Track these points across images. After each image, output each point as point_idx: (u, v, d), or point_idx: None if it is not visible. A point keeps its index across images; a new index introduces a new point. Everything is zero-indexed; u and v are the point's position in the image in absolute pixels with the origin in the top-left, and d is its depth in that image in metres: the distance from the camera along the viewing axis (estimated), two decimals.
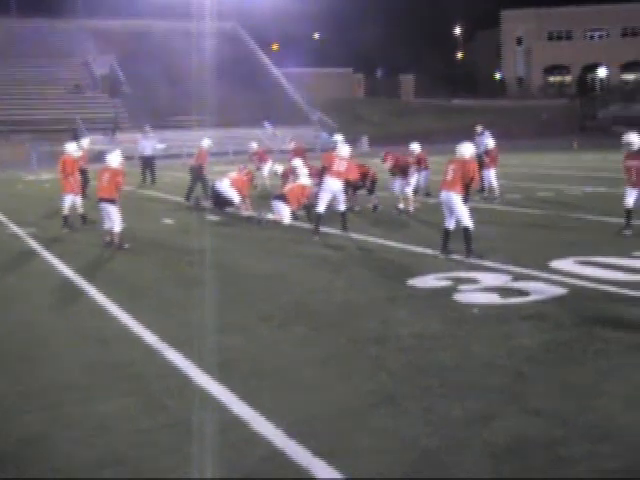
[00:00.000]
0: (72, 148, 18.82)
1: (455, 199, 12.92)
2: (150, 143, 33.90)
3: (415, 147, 20.73)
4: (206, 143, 24.83)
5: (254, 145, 28.68)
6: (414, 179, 19.84)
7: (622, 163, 15.16)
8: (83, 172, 20.19)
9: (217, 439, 5.92)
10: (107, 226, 15.50)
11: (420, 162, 20.71)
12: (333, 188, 16.17)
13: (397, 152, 20.51)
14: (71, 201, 18.18)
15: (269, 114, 63.68)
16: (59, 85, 69.42)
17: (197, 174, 24.01)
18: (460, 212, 12.92)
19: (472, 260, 12.49)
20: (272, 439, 5.83)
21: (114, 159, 15.66)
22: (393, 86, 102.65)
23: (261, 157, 27.78)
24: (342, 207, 16.37)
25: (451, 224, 13.11)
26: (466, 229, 12.86)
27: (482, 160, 24.24)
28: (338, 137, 21.53)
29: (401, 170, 19.36)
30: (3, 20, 77.84)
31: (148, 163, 32.91)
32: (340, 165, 16.29)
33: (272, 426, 6.04)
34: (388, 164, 19.36)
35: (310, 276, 12.06)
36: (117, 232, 15.24)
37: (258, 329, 8.98)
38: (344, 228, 16.21)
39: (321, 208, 16.12)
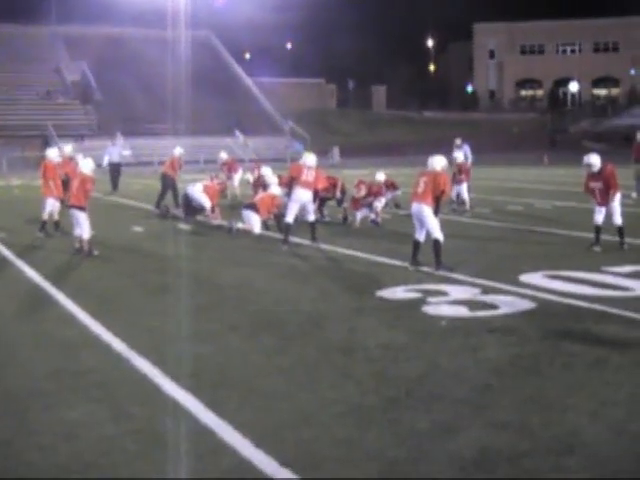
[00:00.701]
0: (53, 154, 18.79)
1: (426, 211, 12.90)
2: (117, 150, 33.91)
3: (380, 176, 20.54)
4: (178, 151, 24.78)
5: (223, 155, 28.68)
6: (384, 200, 19.92)
7: (584, 185, 15.20)
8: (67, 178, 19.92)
9: (184, 447, 5.90)
10: (77, 233, 15.38)
11: (388, 187, 20.77)
12: (302, 198, 16.15)
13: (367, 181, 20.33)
14: (52, 205, 18.02)
15: (241, 123, 63.70)
16: (30, 91, 69.01)
17: (168, 182, 23.92)
18: (430, 224, 12.91)
19: (442, 272, 12.52)
20: (239, 448, 5.82)
21: (86, 166, 15.65)
22: (365, 97, 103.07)
23: (231, 167, 27.76)
24: (311, 217, 16.35)
25: (421, 236, 13.13)
26: (436, 241, 12.85)
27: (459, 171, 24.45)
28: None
29: (374, 195, 19.37)
30: None
31: (116, 169, 32.83)
32: (309, 175, 16.28)
33: (239, 435, 6.03)
34: (362, 192, 19.30)
35: (279, 286, 12.06)
36: (86, 239, 15.13)
37: (226, 338, 8.96)
38: (313, 239, 16.20)
39: (290, 218, 16.12)
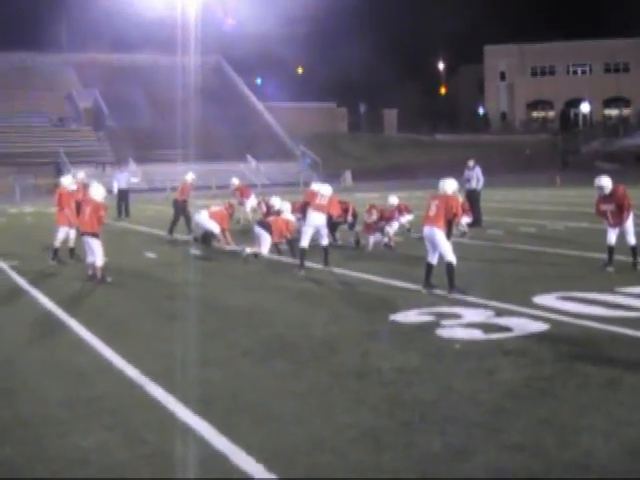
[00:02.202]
0: (67, 181, 18.88)
1: (438, 234, 12.87)
2: (124, 176, 34.17)
3: (393, 200, 20.57)
4: (190, 177, 24.88)
5: (235, 181, 28.75)
6: (397, 224, 19.92)
7: (595, 207, 15.23)
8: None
9: (197, 473, 5.89)
10: (90, 260, 15.44)
11: (401, 211, 20.70)
12: (316, 222, 16.17)
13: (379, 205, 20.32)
14: (65, 234, 18.06)
15: (252, 148, 63.85)
16: (43, 118, 69.46)
17: (180, 208, 24.00)
18: (443, 247, 12.87)
19: (455, 295, 12.49)
20: (252, 473, 5.81)
21: (96, 193, 15.72)
22: (376, 120, 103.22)
23: (243, 192, 27.83)
24: (325, 242, 16.35)
25: (434, 259, 13.11)
26: (449, 264, 12.81)
27: (476, 194, 24.51)
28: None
29: (387, 220, 19.37)
30: None
31: (123, 196, 33.01)
32: (322, 199, 16.33)
33: (252, 460, 6.02)
34: (374, 217, 19.29)
35: (291, 310, 12.05)
36: (99, 266, 15.18)
37: (239, 363, 8.95)
38: (325, 263, 16.19)
39: (304, 243, 16.12)
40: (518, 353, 8.92)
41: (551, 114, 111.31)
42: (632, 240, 14.80)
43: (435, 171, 26.67)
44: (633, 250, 14.82)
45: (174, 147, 64.61)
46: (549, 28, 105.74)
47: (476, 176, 24.94)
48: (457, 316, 10.96)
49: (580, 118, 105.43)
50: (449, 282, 12.81)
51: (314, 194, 16.75)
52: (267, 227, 18.12)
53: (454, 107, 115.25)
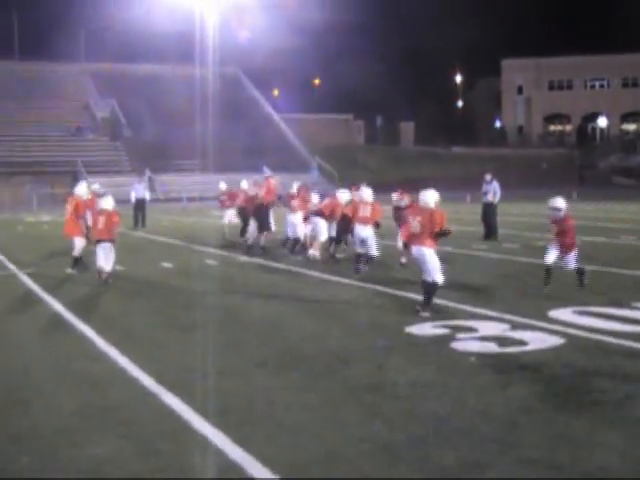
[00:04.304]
0: (82, 190, 18.98)
1: (427, 253, 12.31)
2: (142, 187, 34.29)
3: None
4: (245, 184, 24.74)
5: (222, 186, 28.32)
6: None
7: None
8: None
9: None
10: (100, 264, 15.99)
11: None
12: (362, 235, 16.49)
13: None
14: (83, 243, 18.19)
15: (269, 159, 63.91)
16: (60, 128, 69.74)
17: (245, 214, 23.76)
18: (431, 266, 12.30)
19: (425, 314, 12.03)
20: None
21: (107, 203, 16.57)
22: (393, 133, 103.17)
23: (230, 198, 26.89)
24: (374, 252, 16.62)
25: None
26: (435, 284, 12.28)
27: (493, 208, 24.52)
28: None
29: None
30: (5, 63, 78.44)
31: (140, 206, 33.13)
32: (365, 210, 16.60)
33: (268, 472, 6.01)
34: (406, 201, 18.81)
35: (306, 322, 12.03)
36: (108, 271, 16.13)
37: (253, 374, 8.95)
38: (357, 270, 16.69)
39: (359, 250, 16.89)
40: (533, 367, 8.89)
41: (568, 128, 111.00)
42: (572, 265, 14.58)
43: (452, 184, 26.64)
44: (578, 271, 14.61)
45: (191, 157, 64.87)
46: (566, 42, 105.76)
47: (493, 190, 24.92)
48: (472, 329, 10.93)
49: (597, 133, 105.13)
50: (425, 299, 12.31)
51: (356, 205, 17.20)
52: (320, 213, 19.41)
53: (471, 120, 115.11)
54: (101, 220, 16.25)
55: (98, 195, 25.61)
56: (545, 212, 13.00)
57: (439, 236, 12.48)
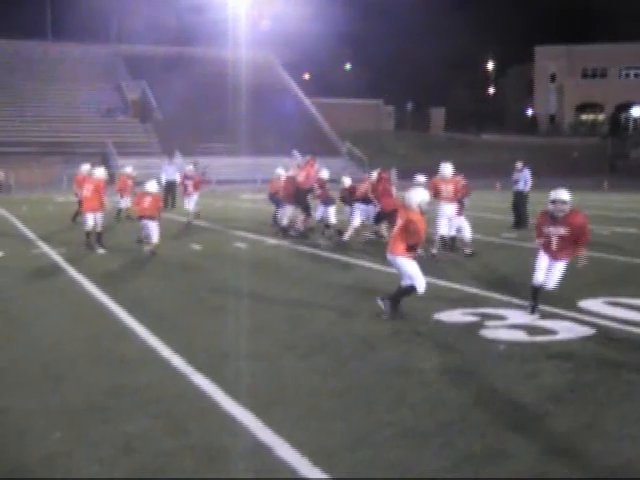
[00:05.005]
0: (101, 172, 20.00)
1: (398, 261, 11.05)
2: (172, 169, 34.35)
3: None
4: (281, 171, 24.79)
5: (190, 167, 28.44)
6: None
7: (536, 225, 11.64)
8: None
9: (242, 464, 5.94)
10: (145, 234, 18.46)
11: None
12: (447, 212, 16.58)
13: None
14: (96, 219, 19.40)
15: (298, 143, 63.94)
16: (91, 109, 70.09)
17: (276, 200, 23.78)
18: (409, 274, 10.98)
19: (384, 317, 11.01)
20: (297, 466, 5.87)
21: (152, 186, 18.71)
22: (423, 119, 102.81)
23: (196, 183, 27.13)
24: (451, 231, 16.79)
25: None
26: (412, 288, 10.95)
27: (524, 196, 24.45)
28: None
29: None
30: (39, 44, 78.85)
31: (170, 188, 33.28)
32: (448, 188, 16.66)
33: (297, 453, 6.07)
34: (463, 182, 18.26)
35: (335, 306, 12.02)
36: (155, 243, 18.07)
37: (281, 358, 8.99)
38: (451, 248, 17.18)
39: (444, 231, 17.08)
40: (562, 357, 8.88)
41: (601, 117, 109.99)
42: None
43: (481, 172, 26.53)
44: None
45: (221, 140, 64.98)
46: (601, 29, 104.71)
47: (524, 178, 24.82)
48: (501, 317, 10.91)
49: (631, 122, 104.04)
50: (394, 296, 11.06)
51: (437, 184, 17.25)
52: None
53: (502, 108, 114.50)
54: (147, 200, 18.36)
55: (130, 177, 26.48)
56: (576, 202, 11.88)
57: (410, 248, 10.97)
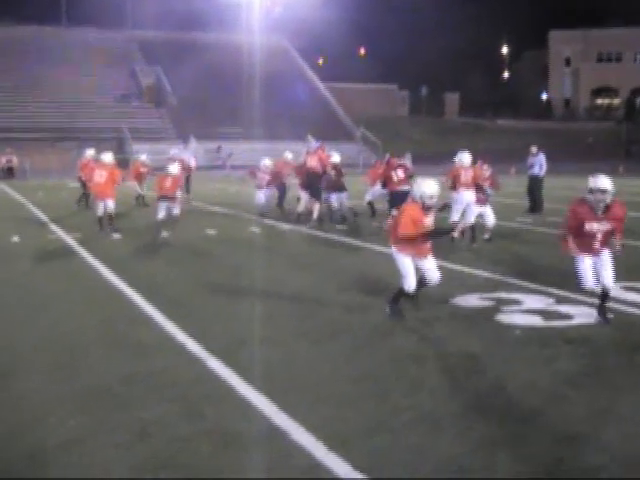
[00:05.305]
0: (108, 158, 20.32)
1: (393, 255, 10.33)
2: (187, 154, 34.33)
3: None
4: (289, 155, 24.95)
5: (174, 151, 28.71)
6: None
7: (570, 221, 10.00)
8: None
9: (257, 448, 5.95)
10: (160, 217, 18.53)
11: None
12: (466, 199, 16.50)
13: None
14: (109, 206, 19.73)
15: (313, 128, 63.86)
16: (106, 94, 70.16)
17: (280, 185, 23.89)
18: (399, 271, 10.20)
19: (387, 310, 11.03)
20: (312, 451, 5.86)
21: (175, 168, 19.20)
22: (437, 104, 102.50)
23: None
24: (472, 219, 16.61)
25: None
26: (400, 290, 10.19)
27: (539, 181, 24.36)
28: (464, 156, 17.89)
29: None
30: (54, 29, 78.92)
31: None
32: (467, 174, 16.60)
33: (312, 438, 6.06)
34: (489, 171, 18.11)
35: (349, 292, 11.99)
36: (177, 214, 19.02)
37: (296, 344, 8.97)
38: (473, 239, 16.77)
39: (456, 217, 16.81)
40: (579, 342, 8.84)
41: (616, 102, 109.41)
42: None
43: (497, 157, 26.39)
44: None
45: (235, 126, 64.93)
46: (616, 14, 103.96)
47: (539, 162, 24.75)
48: (517, 302, 10.87)
49: None
50: (391, 300, 10.28)
51: (458, 171, 17.12)
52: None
53: (516, 92, 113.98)
54: (168, 181, 18.66)
55: (145, 165, 26.64)
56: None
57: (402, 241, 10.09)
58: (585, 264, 9.78)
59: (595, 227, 9.61)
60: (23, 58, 72.61)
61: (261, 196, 23.13)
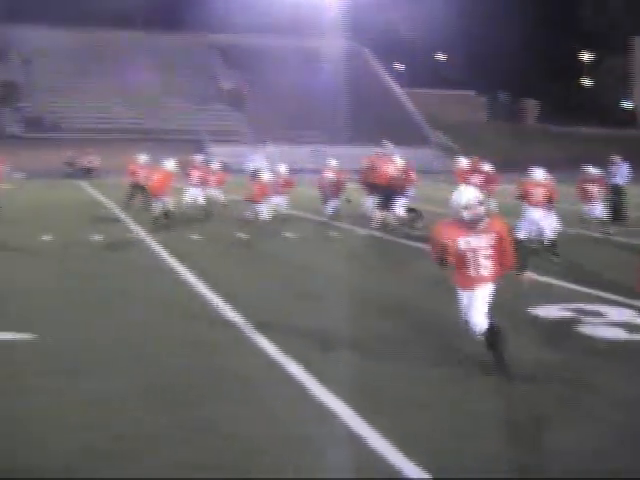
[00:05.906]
0: (171, 165, 21.69)
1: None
2: (259, 157, 34.57)
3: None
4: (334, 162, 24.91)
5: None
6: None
7: None
8: None
9: (334, 453, 5.93)
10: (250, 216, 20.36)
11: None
12: (533, 217, 16.13)
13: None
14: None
15: (390, 133, 63.77)
16: (187, 97, 70.93)
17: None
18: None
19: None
20: (390, 457, 5.81)
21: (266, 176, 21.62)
22: (516, 111, 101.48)
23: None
24: (549, 234, 16.19)
25: None
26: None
27: (621, 190, 23.95)
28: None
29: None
30: (130, 33, 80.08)
31: (255, 176, 33.43)
32: (537, 193, 16.22)
33: (388, 443, 6.01)
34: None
35: (428, 297, 11.95)
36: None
37: (375, 347, 8.95)
38: (555, 254, 16.02)
39: (521, 235, 16.11)
40: None
41: None
42: None
43: (577, 166, 25.93)
44: None
45: (314, 130, 65.14)
46: None
47: (622, 172, 24.35)
48: (599, 314, 10.67)
49: None
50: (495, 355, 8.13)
51: (528, 186, 16.66)
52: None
53: (598, 100, 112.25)
54: (257, 186, 20.93)
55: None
56: None
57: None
58: None
59: None
60: (106, 62, 73.76)
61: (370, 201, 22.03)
